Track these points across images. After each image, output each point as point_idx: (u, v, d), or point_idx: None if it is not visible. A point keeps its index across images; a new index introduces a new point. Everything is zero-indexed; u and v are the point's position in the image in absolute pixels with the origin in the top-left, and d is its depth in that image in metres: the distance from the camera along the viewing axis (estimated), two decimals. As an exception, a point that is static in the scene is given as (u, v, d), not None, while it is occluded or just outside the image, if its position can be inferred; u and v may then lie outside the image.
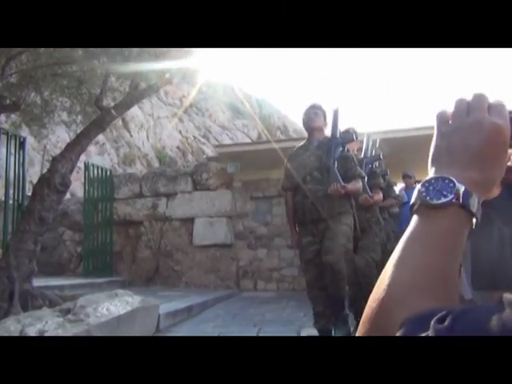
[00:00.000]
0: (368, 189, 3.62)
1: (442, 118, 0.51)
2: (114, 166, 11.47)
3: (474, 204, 0.46)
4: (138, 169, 11.65)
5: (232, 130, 16.08)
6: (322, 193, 3.05)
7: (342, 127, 3.42)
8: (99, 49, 3.61)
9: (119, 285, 6.33)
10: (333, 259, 2.94)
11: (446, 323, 0.34)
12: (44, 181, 4.03)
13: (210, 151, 13.34)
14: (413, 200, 0.48)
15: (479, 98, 0.49)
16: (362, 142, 3.99)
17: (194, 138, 14.91)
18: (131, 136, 12.94)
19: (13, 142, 5.32)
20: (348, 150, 3.35)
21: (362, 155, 3.86)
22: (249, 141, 14.43)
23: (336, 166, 3.10)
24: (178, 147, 14.15)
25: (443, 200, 0.45)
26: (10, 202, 5.28)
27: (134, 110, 12.36)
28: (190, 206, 7.08)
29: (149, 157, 13.07)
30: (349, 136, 3.33)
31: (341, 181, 3.00)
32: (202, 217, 7.05)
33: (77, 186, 8.64)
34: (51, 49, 4.11)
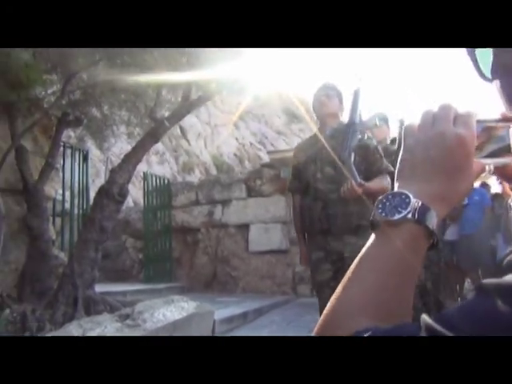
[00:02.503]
0: None
1: (407, 131, 0.49)
2: (173, 175, 11.83)
3: (432, 219, 0.44)
4: (197, 176, 11.92)
5: (288, 135, 16.08)
6: (335, 195, 2.41)
7: (366, 114, 2.62)
8: (151, 62, 3.75)
9: (178, 290, 6.50)
10: None
11: None
12: (103, 191, 4.23)
13: (266, 157, 13.41)
14: (371, 217, 0.47)
15: (444, 109, 0.47)
16: (390, 128, 3.36)
17: (251, 144, 15.06)
18: (190, 145, 13.28)
19: (77, 154, 5.65)
20: (370, 138, 2.64)
21: (396, 146, 3.09)
22: (305, 145, 14.34)
23: (353, 158, 2.38)
24: (234, 154, 14.36)
25: (397, 216, 0.44)
26: (76, 211, 5.59)
27: (192, 120, 12.70)
28: (245, 213, 7.15)
29: (207, 164, 13.36)
30: (370, 121, 2.56)
31: (357, 177, 2.28)
32: (256, 223, 7.09)
33: (139, 195, 9.00)
34: (108, 65, 4.33)
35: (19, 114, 4.28)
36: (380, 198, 0.46)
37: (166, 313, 3.82)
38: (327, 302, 1.89)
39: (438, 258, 3.47)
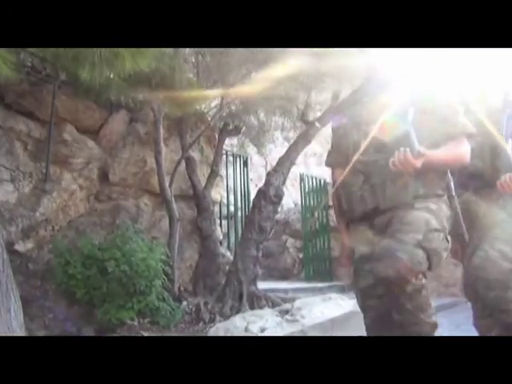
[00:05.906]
0: None
1: None
2: (331, 175, 11.88)
3: None
4: (355, 176, 11.78)
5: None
6: (383, 162, 1.61)
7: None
8: (297, 69, 3.88)
9: (339, 289, 6.50)
10: (392, 270, 1.46)
11: None
12: (261, 194, 4.50)
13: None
14: None
15: None
16: None
17: (411, 138, 14.33)
18: (346, 144, 13.20)
19: (238, 161, 6.09)
20: None
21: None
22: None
23: (411, 116, 1.57)
24: (393, 150, 13.83)
25: None
26: (239, 214, 6.03)
27: (347, 119, 12.61)
28: (405, 210, 6.85)
29: (364, 163, 13.13)
30: None
31: (414, 143, 1.51)
32: (418, 220, 6.72)
33: (299, 197, 9.29)
34: (261, 76, 4.59)
35: (187, 128, 4.81)
36: None
37: (324, 310, 3.89)
38: (375, 317, 1.57)
39: None
